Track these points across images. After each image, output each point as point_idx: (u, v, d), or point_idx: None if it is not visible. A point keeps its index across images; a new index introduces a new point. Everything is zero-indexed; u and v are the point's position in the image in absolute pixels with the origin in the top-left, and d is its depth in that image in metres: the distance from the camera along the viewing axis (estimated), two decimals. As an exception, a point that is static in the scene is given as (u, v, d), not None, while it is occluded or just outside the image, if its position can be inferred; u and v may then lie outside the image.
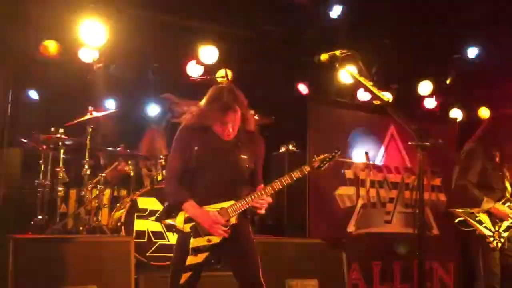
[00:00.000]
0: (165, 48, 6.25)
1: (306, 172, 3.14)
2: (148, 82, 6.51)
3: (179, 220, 3.06)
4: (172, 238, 4.70)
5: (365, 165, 6.31)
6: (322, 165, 3.18)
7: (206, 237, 3.04)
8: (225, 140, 3.11)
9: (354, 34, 5.92)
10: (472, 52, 6.62)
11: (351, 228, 6.12)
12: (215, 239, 3.05)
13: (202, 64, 6.12)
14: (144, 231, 4.78)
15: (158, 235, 4.79)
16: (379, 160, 6.49)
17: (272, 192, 3.10)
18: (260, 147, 3.25)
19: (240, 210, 3.07)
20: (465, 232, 3.97)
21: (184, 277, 3.02)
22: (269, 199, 3.10)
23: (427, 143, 2.68)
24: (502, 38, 6.25)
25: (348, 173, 6.19)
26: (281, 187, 3.09)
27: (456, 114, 7.31)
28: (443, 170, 6.55)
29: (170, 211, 3.10)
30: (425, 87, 6.96)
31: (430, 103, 7.12)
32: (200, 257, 3.04)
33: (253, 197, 3.06)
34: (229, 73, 6.10)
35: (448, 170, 5.10)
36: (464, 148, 4.21)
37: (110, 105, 6.95)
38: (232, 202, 3.07)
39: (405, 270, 6.17)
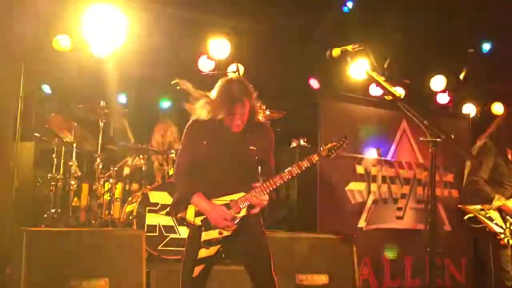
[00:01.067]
0: (176, 43, 6.26)
1: (314, 162, 3.12)
2: (160, 76, 6.53)
3: (189, 214, 3.07)
4: (183, 232, 4.73)
5: (377, 160, 6.29)
6: (330, 153, 3.17)
7: (218, 230, 3.05)
8: (234, 132, 3.10)
9: (366, 29, 5.88)
10: (486, 46, 6.54)
11: (362, 223, 6.10)
12: (227, 232, 3.06)
13: (213, 59, 6.11)
14: (155, 225, 4.80)
15: (169, 229, 4.82)
16: (390, 155, 6.45)
17: (282, 182, 3.08)
18: (269, 137, 3.24)
19: (250, 202, 3.07)
20: (475, 228, 3.93)
21: (197, 270, 3.04)
22: (266, 199, 3.08)
23: (439, 139, 2.66)
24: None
25: (359, 169, 6.17)
26: (290, 177, 3.08)
27: (469, 109, 7.25)
28: (456, 166, 6.50)
29: (179, 205, 3.11)
30: (437, 82, 6.90)
31: (443, 98, 7.07)
32: (212, 250, 3.06)
33: (262, 187, 3.06)
34: (241, 67, 6.11)
35: (460, 166, 5.05)
36: (476, 144, 4.18)
37: (122, 99, 7.00)
38: (242, 194, 3.07)
39: (416, 266, 6.15)
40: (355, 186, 6.11)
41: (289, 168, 3.09)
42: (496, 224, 3.89)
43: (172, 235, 4.81)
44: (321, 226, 5.73)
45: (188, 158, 3.13)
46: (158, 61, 6.47)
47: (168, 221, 4.80)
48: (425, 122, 2.70)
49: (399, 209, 6.39)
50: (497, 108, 7.24)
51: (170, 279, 4.00)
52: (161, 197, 4.88)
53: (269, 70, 6.68)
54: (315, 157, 3.13)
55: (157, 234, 4.78)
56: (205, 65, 6.22)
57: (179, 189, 3.15)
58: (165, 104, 7.08)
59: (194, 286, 3.08)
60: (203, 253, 3.05)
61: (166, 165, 5.31)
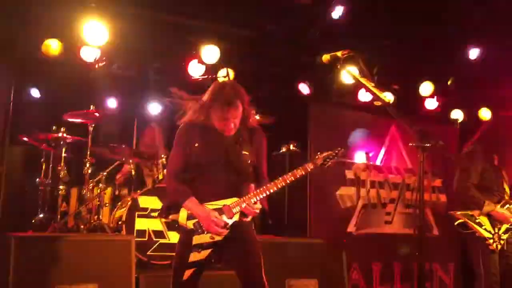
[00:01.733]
0: (166, 47, 6.25)
1: (309, 170, 3.12)
2: (150, 81, 6.52)
3: (182, 217, 3.05)
4: (173, 237, 4.72)
5: (366, 165, 6.33)
6: (325, 162, 3.17)
7: (209, 234, 3.03)
8: (226, 136, 3.10)
9: (355, 34, 5.92)
10: (473, 53, 6.61)
11: (351, 228, 6.14)
12: (218, 237, 3.04)
13: (203, 63, 6.12)
14: (145, 230, 4.79)
15: (159, 234, 4.81)
16: (380, 160, 6.50)
17: (275, 189, 3.07)
18: (261, 141, 3.24)
19: (243, 210, 3.04)
20: (465, 234, 3.97)
21: (187, 273, 3.02)
22: (259, 207, 3.06)
23: (428, 144, 2.68)
24: (503, 39, 6.26)
25: (349, 174, 6.21)
26: (284, 185, 3.07)
27: (457, 115, 7.31)
28: (444, 171, 6.57)
29: (170, 209, 3.10)
30: (426, 88, 6.95)
31: (431, 104, 7.12)
32: (203, 254, 3.04)
33: (255, 193, 3.04)
34: (231, 72, 6.12)
35: (448, 171, 5.11)
36: (464, 150, 4.22)
37: (112, 104, 6.97)
38: (235, 199, 3.06)
39: (405, 271, 6.19)
40: (344, 191, 6.14)
41: (284, 175, 3.09)
42: (485, 229, 3.93)
43: (161, 240, 4.80)
44: (311, 231, 5.75)
45: (179, 161, 3.11)
46: (148, 66, 6.45)
47: (158, 226, 4.79)
48: (413, 127, 2.73)
49: (388, 213, 6.43)
50: (485, 114, 7.30)
51: (160, 285, 3.99)
52: (151, 202, 4.88)
53: (258, 75, 6.69)
54: (310, 166, 3.13)
55: (146, 239, 4.77)
56: (195, 70, 6.22)
57: (170, 193, 3.13)
58: (154, 109, 7.05)
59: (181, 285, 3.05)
60: (194, 257, 3.03)
61: (156, 170, 5.30)
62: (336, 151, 3.20)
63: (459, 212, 3.98)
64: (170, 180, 3.13)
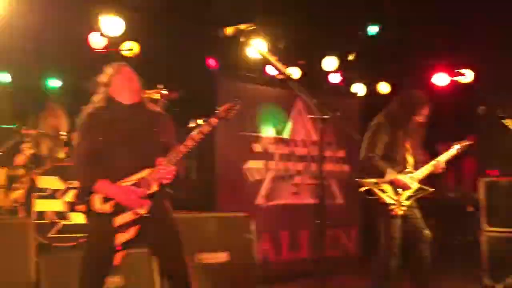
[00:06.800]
0: (66, 19, 5.89)
1: (214, 124, 3.09)
2: (46, 54, 6.12)
3: (97, 203, 2.96)
4: (75, 218, 4.52)
5: (274, 139, 6.44)
6: (227, 114, 3.13)
7: (132, 211, 2.97)
8: (133, 111, 3.10)
9: (263, 9, 5.93)
10: (373, 29, 6.91)
11: (260, 200, 6.25)
12: (142, 210, 2.98)
13: (106, 36, 5.84)
14: (45, 212, 4.55)
15: (60, 215, 4.58)
16: (287, 134, 6.64)
17: (188, 149, 3.04)
18: (169, 123, 3.26)
19: (159, 175, 3.01)
20: (369, 200, 4.16)
21: (118, 257, 2.95)
22: (174, 169, 3.04)
23: (327, 117, 2.77)
24: (401, 15, 6.59)
25: (257, 147, 6.29)
26: (194, 143, 3.04)
27: (357, 88, 7.61)
28: (348, 143, 6.85)
29: (83, 195, 3.01)
30: (330, 62, 7.16)
31: (335, 78, 7.36)
32: (131, 232, 2.97)
33: (168, 159, 3.01)
34: (136, 45, 5.90)
35: (352, 142, 5.32)
36: (373, 122, 4.38)
37: (5, 78, 6.50)
38: (149, 170, 3.02)
39: (312, 239, 6.45)
40: (253, 164, 6.22)
41: (191, 133, 3.05)
42: (388, 196, 4.15)
43: (63, 222, 4.58)
44: (220, 205, 5.79)
45: (86, 149, 3.04)
46: (45, 37, 6.04)
47: (59, 207, 4.56)
48: (313, 100, 2.80)
49: (295, 185, 6.62)
50: (383, 87, 7.68)
51: (62, 267, 3.83)
52: (51, 182, 4.62)
53: (166, 49, 6.52)
54: (214, 120, 3.10)
55: (47, 221, 4.53)
56: (97, 42, 5.93)
57: (80, 178, 3.07)
58: (53, 83, 6.66)
59: (97, 277, 2.98)
60: (122, 237, 2.95)
61: (56, 148, 5.04)
62: (235, 102, 3.17)
63: (365, 180, 4.17)
64: (79, 167, 3.06)
